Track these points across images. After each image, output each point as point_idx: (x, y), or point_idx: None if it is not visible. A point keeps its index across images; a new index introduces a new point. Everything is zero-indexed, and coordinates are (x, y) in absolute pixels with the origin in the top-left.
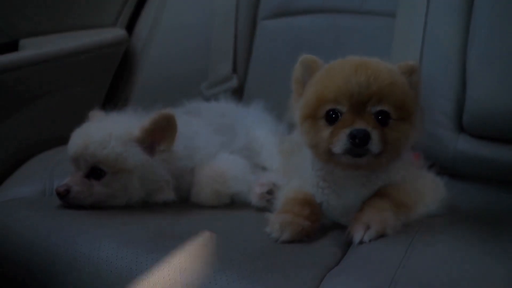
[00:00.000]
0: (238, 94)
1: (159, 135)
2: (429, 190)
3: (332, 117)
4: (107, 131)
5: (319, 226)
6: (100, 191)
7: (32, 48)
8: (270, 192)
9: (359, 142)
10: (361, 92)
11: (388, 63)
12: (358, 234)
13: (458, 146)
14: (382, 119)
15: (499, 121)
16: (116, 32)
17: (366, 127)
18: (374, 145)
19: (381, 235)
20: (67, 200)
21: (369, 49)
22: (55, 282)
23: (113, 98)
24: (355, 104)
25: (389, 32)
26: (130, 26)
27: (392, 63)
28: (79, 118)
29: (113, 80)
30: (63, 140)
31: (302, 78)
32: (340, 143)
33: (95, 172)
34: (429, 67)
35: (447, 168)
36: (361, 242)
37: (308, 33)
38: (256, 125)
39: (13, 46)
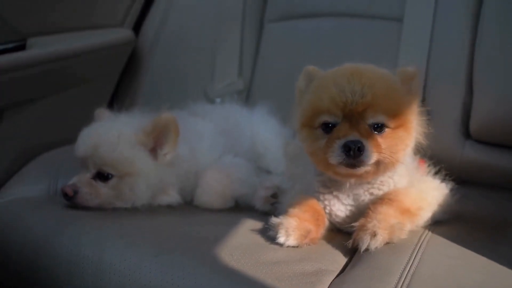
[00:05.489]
0: (244, 96)
1: (161, 139)
2: (434, 196)
3: (328, 127)
4: (116, 134)
5: (324, 232)
6: (107, 193)
7: (40, 48)
8: (274, 196)
9: (353, 154)
10: (355, 102)
11: (383, 70)
12: (364, 242)
13: (464, 152)
14: (378, 128)
15: (505, 127)
16: (123, 33)
17: (360, 138)
18: (368, 156)
19: (386, 242)
20: (73, 200)
21: (375, 53)
22: (58, 283)
23: (120, 99)
24: (349, 114)
25: (396, 36)
26: (137, 27)
27: (400, 67)
28: (85, 118)
29: (119, 80)
30: (68, 139)
31: (305, 88)
32: (334, 155)
33: (102, 174)
34: (436, 72)
35: (453, 174)
36: (366, 249)
37: (314, 37)
38: (261, 128)
39: (21, 45)
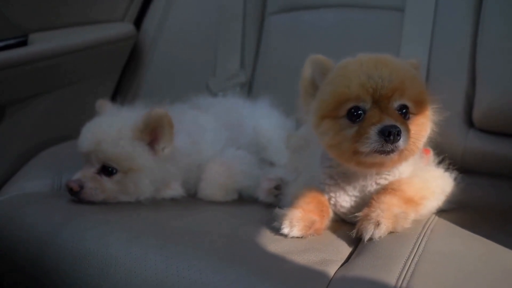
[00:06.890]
0: (246, 89)
1: (156, 134)
2: (438, 185)
3: (355, 115)
4: (118, 129)
5: (329, 222)
6: (111, 188)
7: (41, 43)
8: (277, 188)
9: (393, 138)
10: (385, 86)
11: (399, 59)
12: (367, 231)
13: (467, 142)
14: (403, 114)
15: (509, 116)
16: (124, 27)
17: (396, 123)
18: (403, 141)
19: (390, 232)
20: (78, 196)
21: (378, 44)
22: (64, 277)
23: (122, 93)
24: (379, 99)
25: (398, 27)
26: (138, 22)
27: (401, 58)
28: (88, 113)
29: (121, 75)
30: (72, 134)
31: (312, 78)
32: (370, 141)
33: (106, 168)
34: (438, 62)
35: (457, 163)
36: (370, 239)
37: (316, 28)
38: (263, 120)
39: (22, 41)
